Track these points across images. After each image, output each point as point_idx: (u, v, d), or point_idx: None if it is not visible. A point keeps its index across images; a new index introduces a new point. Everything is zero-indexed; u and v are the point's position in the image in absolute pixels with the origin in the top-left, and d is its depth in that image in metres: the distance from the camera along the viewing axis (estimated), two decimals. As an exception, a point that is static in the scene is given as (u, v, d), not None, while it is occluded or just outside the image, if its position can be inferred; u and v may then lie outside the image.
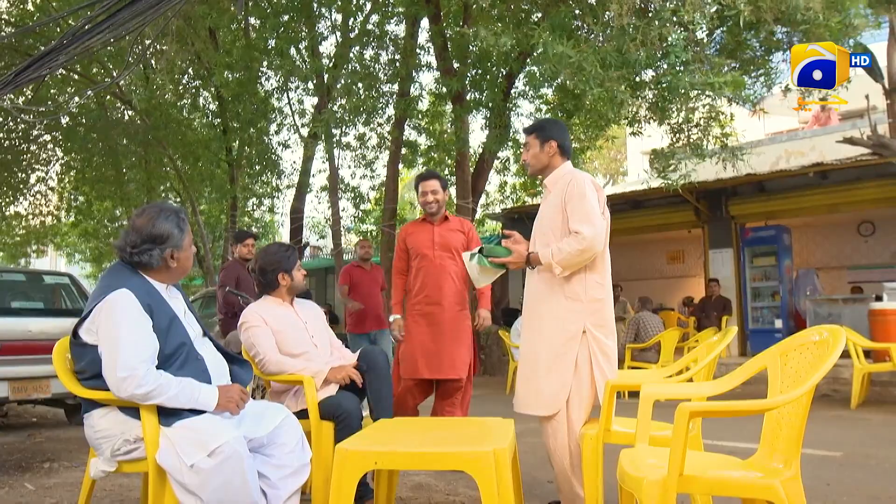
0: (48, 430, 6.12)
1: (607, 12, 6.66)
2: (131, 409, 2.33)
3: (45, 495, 3.68)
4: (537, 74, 9.77)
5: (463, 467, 2.16)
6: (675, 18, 6.32)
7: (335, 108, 11.13)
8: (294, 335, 3.38)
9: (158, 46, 12.00)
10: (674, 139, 8.81)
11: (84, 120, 12.97)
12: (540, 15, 9.17)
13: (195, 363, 2.47)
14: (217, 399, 2.38)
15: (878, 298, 8.99)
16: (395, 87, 11.75)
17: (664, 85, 7.58)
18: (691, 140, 8.83)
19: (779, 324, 10.30)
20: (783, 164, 13.19)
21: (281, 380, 3.25)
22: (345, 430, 2.95)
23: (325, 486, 3.05)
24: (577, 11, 7.99)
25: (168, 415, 2.30)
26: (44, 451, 5.00)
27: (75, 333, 2.43)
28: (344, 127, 11.86)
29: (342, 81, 12.11)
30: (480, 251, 3.22)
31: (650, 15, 6.54)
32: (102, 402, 2.39)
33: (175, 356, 2.41)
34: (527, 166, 3.20)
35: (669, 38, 6.46)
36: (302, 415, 3.07)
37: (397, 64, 11.46)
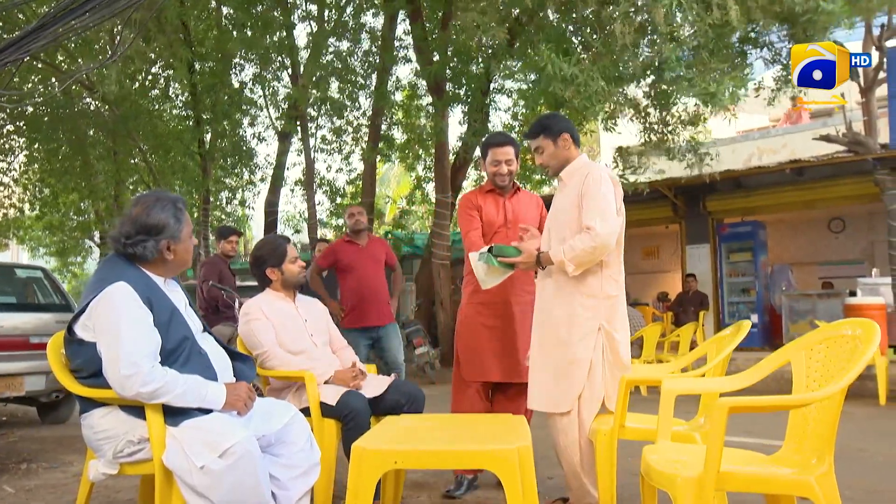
0: (21, 429, 5.89)
1: (606, 29, 6.70)
2: (134, 409, 2.21)
3: (28, 498, 3.52)
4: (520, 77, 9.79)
5: (487, 465, 2.09)
6: (670, 34, 6.36)
7: (311, 93, 10.97)
8: (293, 331, 3.27)
9: (126, 34, 11.70)
10: (646, 138, 8.88)
11: (49, 109, 12.55)
12: (518, 12, 9.11)
13: (199, 358, 2.35)
14: (225, 397, 2.27)
15: (852, 293, 9.16)
16: (372, 79, 11.65)
17: (659, 93, 7.68)
18: (663, 140, 8.91)
19: (754, 318, 10.42)
20: (756, 160, 13.39)
21: (281, 375, 3.14)
22: (353, 430, 2.85)
23: (328, 486, 2.98)
24: (572, 27, 8.01)
25: (174, 414, 2.19)
26: (19, 451, 4.80)
27: (70, 330, 2.30)
28: (320, 108, 11.66)
29: (318, 74, 11.97)
30: (490, 250, 3.10)
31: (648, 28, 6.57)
32: (103, 402, 2.27)
33: (178, 352, 2.29)
34: (546, 170, 3.10)
35: (664, 52, 6.48)
36: (303, 413, 2.97)
37: (375, 57, 11.34)
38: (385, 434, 2.34)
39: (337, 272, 5.54)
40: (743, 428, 4.88)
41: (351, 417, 2.95)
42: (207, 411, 2.23)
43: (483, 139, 3.77)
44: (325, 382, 3.13)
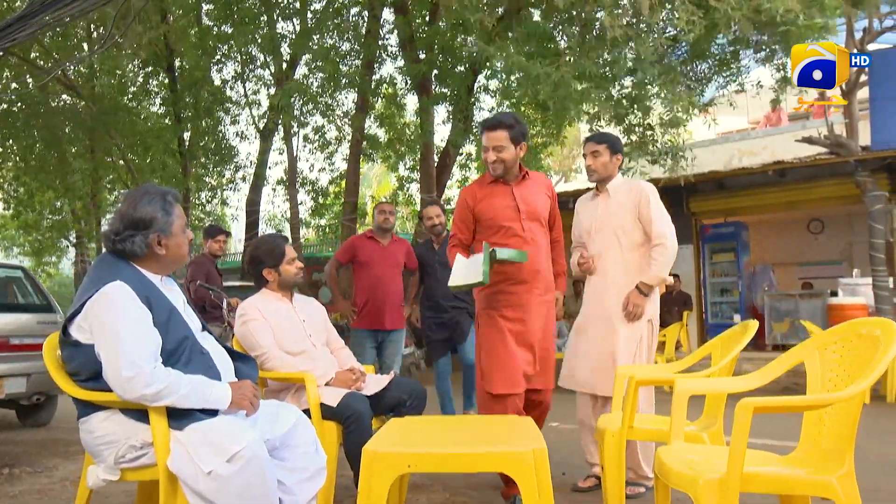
0: (1, 433, 5.73)
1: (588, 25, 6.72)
2: (136, 412, 2.13)
3: (14, 504, 3.41)
4: (502, 77, 9.78)
5: (502, 468, 2.05)
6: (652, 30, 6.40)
7: (295, 88, 10.82)
8: (292, 332, 3.20)
9: (103, 30, 11.51)
10: (628, 139, 8.91)
11: (23, 105, 12.25)
12: (501, 11, 9.10)
13: (201, 358, 2.27)
14: (230, 396, 2.20)
15: (833, 294, 9.28)
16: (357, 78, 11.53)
17: (631, 95, 7.71)
18: (643, 141, 8.96)
19: (737, 318, 10.51)
20: (736, 163, 13.48)
21: (280, 377, 3.07)
22: (355, 433, 2.80)
23: (329, 489, 2.91)
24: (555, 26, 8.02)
25: (179, 417, 2.11)
26: (1, 455, 4.66)
27: (65, 331, 2.21)
28: (304, 108, 11.54)
29: (302, 69, 11.87)
30: (492, 254, 3.00)
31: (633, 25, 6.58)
32: (102, 405, 2.18)
33: (179, 351, 2.21)
34: (591, 171, 3.55)
35: (638, 51, 6.51)
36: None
37: (359, 57, 11.23)
38: (395, 437, 2.28)
39: (353, 268, 5.25)
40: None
41: (353, 420, 2.89)
42: (213, 413, 2.16)
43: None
44: (326, 384, 3.07)
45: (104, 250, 2.36)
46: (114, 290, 2.13)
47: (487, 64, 9.62)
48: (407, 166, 13.71)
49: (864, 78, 9.26)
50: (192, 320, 2.41)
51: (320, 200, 13.35)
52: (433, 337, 5.25)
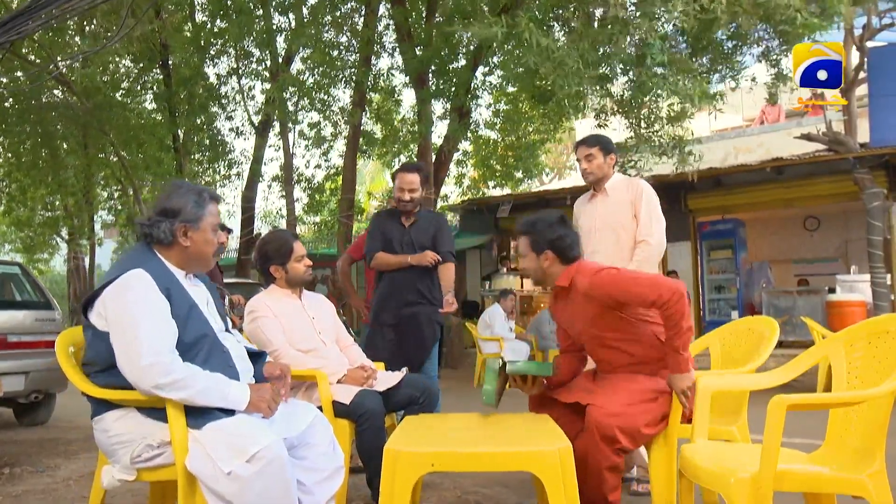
0: (-2, 432, 5.67)
1: (596, 9, 6.67)
2: (153, 411, 2.09)
3: (18, 505, 3.35)
4: (509, 65, 9.73)
5: (528, 467, 2.00)
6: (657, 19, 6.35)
7: (290, 81, 10.72)
8: (301, 330, 3.15)
9: (92, 26, 11.38)
10: (635, 134, 8.89)
11: (18, 101, 12.10)
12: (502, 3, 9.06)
13: (220, 356, 2.22)
14: (249, 398, 2.15)
15: (831, 290, 9.29)
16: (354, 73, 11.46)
17: (634, 83, 7.66)
18: (651, 137, 8.93)
19: (735, 315, 10.50)
20: (732, 160, 13.48)
21: (293, 375, 3.02)
22: (368, 431, 2.76)
23: (342, 489, 2.86)
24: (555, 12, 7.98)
25: (197, 416, 2.06)
26: (0, 455, 4.59)
27: (85, 313, 2.16)
28: (299, 103, 11.44)
29: (297, 64, 11.80)
30: (503, 368, 2.66)
31: (632, 12, 6.53)
32: (118, 403, 2.13)
33: (197, 347, 2.15)
34: (588, 174, 3.61)
35: (641, 35, 6.47)
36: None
37: (356, 53, 11.17)
38: (415, 436, 2.24)
39: (365, 265, 4.70)
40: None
41: (366, 418, 2.84)
42: (230, 413, 2.11)
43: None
44: (338, 381, 3.03)
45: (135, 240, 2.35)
46: (133, 278, 2.11)
47: (493, 45, 9.54)
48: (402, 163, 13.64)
49: (862, 75, 9.26)
50: (215, 319, 2.35)
51: (316, 197, 13.27)
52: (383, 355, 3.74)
